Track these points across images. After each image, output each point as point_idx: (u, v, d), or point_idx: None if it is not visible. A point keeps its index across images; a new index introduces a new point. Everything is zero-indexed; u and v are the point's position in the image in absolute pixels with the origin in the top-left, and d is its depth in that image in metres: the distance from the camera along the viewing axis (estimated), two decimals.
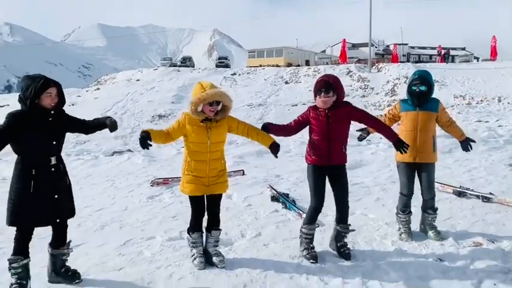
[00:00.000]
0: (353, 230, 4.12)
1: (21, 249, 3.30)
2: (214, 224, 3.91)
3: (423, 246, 4.16)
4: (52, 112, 3.28)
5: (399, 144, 3.87)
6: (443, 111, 4.42)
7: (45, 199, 3.24)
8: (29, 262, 3.37)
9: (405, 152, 3.90)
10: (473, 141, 4.57)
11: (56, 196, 3.31)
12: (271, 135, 3.96)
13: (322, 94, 3.81)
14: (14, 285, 3.25)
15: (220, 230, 3.95)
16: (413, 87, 4.28)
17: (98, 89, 36.80)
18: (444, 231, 4.48)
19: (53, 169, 3.30)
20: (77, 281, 3.46)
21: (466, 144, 4.50)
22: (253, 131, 3.91)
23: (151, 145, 3.60)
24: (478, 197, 5.57)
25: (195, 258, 3.81)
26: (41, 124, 3.22)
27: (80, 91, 36.08)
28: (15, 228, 3.31)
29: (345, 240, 4.07)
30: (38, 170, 3.22)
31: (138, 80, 37.81)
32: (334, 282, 3.48)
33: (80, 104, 28.61)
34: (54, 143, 3.32)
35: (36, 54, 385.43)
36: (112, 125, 3.56)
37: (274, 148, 3.84)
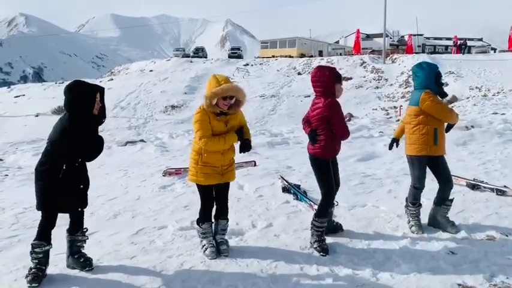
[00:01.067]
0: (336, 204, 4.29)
1: (44, 234, 3.43)
2: (223, 213, 3.96)
3: (435, 239, 4.13)
4: (103, 120, 3.50)
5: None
6: (425, 103, 4.12)
7: (71, 188, 3.41)
8: (50, 249, 3.48)
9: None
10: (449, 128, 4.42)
11: (82, 186, 3.51)
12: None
13: (343, 82, 4.00)
14: (33, 270, 3.37)
15: (227, 219, 3.99)
16: (441, 80, 4.32)
17: (112, 79, 37.12)
18: (457, 224, 4.44)
19: (77, 164, 3.47)
20: (87, 268, 3.54)
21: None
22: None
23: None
24: (492, 190, 5.49)
25: (206, 249, 3.84)
26: (89, 132, 3.41)
27: (94, 82, 36.41)
28: (34, 212, 3.45)
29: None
30: (68, 165, 3.38)
31: (151, 70, 38.02)
32: (344, 273, 3.49)
33: None
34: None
35: (51, 45, 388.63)
36: None
37: (241, 144, 3.84)
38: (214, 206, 3.96)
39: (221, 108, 3.67)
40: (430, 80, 4.21)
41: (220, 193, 3.93)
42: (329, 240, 4.07)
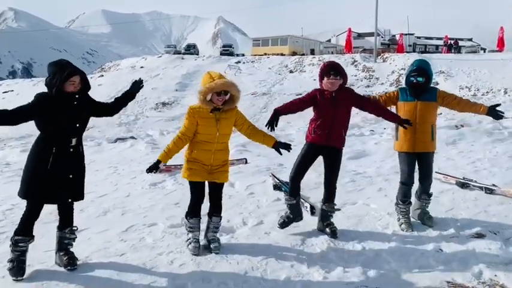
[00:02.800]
0: (338, 209, 4.30)
1: (28, 228, 3.39)
2: (216, 210, 3.95)
3: (424, 237, 4.17)
4: (77, 96, 3.39)
5: (404, 123, 4.12)
6: (443, 97, 4.38)
7: (60, 177, 3.35)
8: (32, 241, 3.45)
9: (411, 126, 4.10)
10: (499, 108, 4.37)
11: (71, 176, 3.42)
12: (272, 135, 4.06)
13: (332, 76, 3.97)
14: (15, 262, 3.34)
15: (221, 217, 3.98)
16: (411, 78, 4.29)
17: (102, 75, 36.81)
18: (446, 222, 4.48)
19: (71, 150, 3.41)
20: (69, 267, 3.47)
21: (494, 112, 4.32)
22: (257, 134, 3.97)
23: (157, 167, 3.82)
24: (481, 188, 5.54)
25: (190, 243, 3.85)
26: (66, 107, 3.33)
27: None
28: (21, 209, 3.41)
29: (331, 219, 4.23)
30: (58, 148, 3.33)
31: (142, 67, 37.77)
32: (335, 271, 3.49)
33: None
34: (78, 125, 3.43)
35: (40, 40, 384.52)
36: (136, 87, 3.91)
37: (278, 146, 3.97)
38: (207, 203, 3.95)
39: (215, 103, 3.66)
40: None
41: (214, 191, 3.92)
42: (320, 238, 4.09)
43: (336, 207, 4.25)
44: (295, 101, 4.23)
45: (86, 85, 3.47)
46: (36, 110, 3.27)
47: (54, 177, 3.32)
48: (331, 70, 4.00)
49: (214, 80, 3.62)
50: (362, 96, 4.25)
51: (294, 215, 4.26)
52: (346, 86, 4.12)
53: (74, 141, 3.41)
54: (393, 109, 4.48)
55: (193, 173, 3.77)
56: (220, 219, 3.98)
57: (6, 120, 3.20)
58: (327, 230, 4.16)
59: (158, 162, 3.77)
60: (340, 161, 4.17)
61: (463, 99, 4.50)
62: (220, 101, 3.66)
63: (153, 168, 3.79)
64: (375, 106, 4.23)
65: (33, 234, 3.44)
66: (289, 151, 3.97)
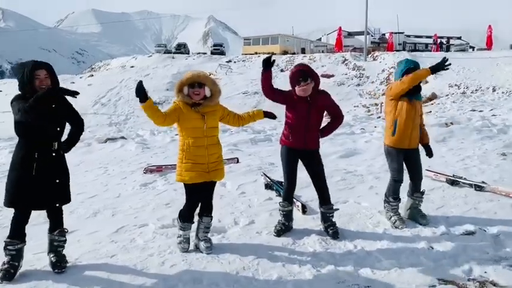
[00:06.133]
0: (337, 209, 4.29)
1: (17, 232, 3.36)
2: (206, 210, 3.92)
3: (415, 235, 4.18)
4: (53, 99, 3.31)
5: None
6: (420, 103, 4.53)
7: (45, 182, 3.30)
8: (24, 246, 3.42)
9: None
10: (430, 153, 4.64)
11: (57, 181, 3.38)
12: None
13: (302, 83, 3.95)
14: (5, 265, 3.31)
15: (211, 217, 3.96)
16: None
17: (92, 75, 36.57)
18: (436, 219, 4.51)
19: (54, 154, 3.35)
20: (56, 270, 3.43)
21: (429, 148, 4.60)
22: (244, 116, 4.03)
23: (146, 94, 3.44)
24: (470, 185, 5.59)
25: (179, 242, 3.86)
26: (42, 109, 3.24)
27: (74, 77, 35.81)
28: (10, 214, 3.38)
29: (332, 220, 4.21)
30: (40, 153, 3.27)
31: (132, 66, 37.59)
32: (326, 269, 3.49)
33: None
34: (58, 129, 3.38)
35: (29, 40, 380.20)
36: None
37: (269, 114, 4.04)
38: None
39: (193, 98, 3.64)
40: None
41: (205, 191, 3.86)
42: (311, 237, 4.10)
43: (334, 207, 4.24)
44: (271, 85, 4.09)
45: (54, 80, 3.36)
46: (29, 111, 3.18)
47: (40, 184, 3.27)
48: (300, 77, 3.94)
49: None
50: (336, 106, 4.18)
51: (288, 221, 4.27)
52: (320, 89, 4.09)
53: (55, 145, 3.37)
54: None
55: (193, 175, 3.68)
56: (211, 219, 3.96)
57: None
58: (329, 231, 4.14)
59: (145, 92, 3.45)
60: (321, 160, 4.19)
61: (421, 123, 4.52)
62: (197, 94, 3.62)
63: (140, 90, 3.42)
64: (335, 122, 4.24)
65: (25, 239, 3.41)
66: (275, 118, 4.05)
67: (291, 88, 4.09)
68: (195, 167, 3.68)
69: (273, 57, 4.17)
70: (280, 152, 4.26)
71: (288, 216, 4.27)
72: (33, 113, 3.13)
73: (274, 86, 4.08)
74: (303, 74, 3.96)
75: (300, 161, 4.19)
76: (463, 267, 3.50)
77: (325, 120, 4.25)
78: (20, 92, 3.29)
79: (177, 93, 3.67)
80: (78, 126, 3.61)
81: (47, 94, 3.16)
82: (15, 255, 3.34)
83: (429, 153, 4.61)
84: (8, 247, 3.32)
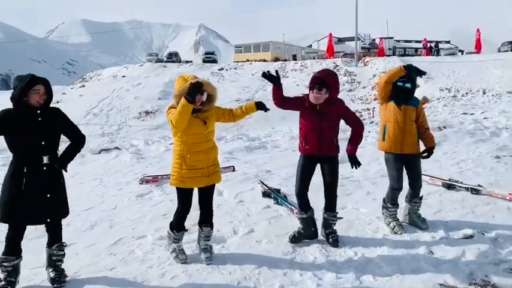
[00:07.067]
0: (340, 218, 4.26)
1: (12, 248, 3.32)
2: (206, 219, 3.90)
3: (414, 240, 4.19)
4: (39, 112, 3.26)
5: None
6: (421, 110, 4.49)
7: (37, 198, 3.24)
8: (20, 261, 3.38)
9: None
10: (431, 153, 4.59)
11: (49, 195, 3.30)
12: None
13: (315, 90, 3.91)
14: (2, 282, 3.28)
15: (211, 226, 3.93)
16: (399, 83, 4.32)
17: (83, 86, 36.39)
18: (435, 224, 4.52)
19: (45, 168, 3.29)
20: (55, 285, 3.40)
21: (430, 152, 4.53)
22: (238, 112, 3.95)
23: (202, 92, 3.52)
24: (467, 189, 5.61)
25: (176, 256, 3.83)
26: (29, 123, 3.22)
27: (65, 88, 35.62)
28: (4, 228, 3.32)
29: (334, 227, 4.18)
30: (30, 168, 3.22)
31: (123, 76, 37.46)
32: (327, 277, 3.48)
33: (65, 101, 28.22)
34: (43, 142, 3.28)
35: (19, 51, 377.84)
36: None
37: (261, 105, 3.92)
38: (198, 211, 3.90)
39: (195, 105, 3.60)
40: None
41: (205, 197, 3.85)
42: (311, 245, 4.08)
43: (338, 215, 4.20)
44: (283, 96, 4.06)
45: (50, 97, 3.35)
46: (5, 129, 3.18)
47: (29, 198, 3.21)
48: (316, 84, 3.90)
49: (187, 81, 3.54)
50: (351, 115, 4.15)
51: (305, 230, 4.18)
52: (337, 98, 4.03)
53: (45, 159, 3.28)
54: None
55: (193, 180, 3.68)
56: (211, 228, 3.93)
57: None
58: (329, 239, 4.11)
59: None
60: (337, 168, 4.14)
61: (427, 130, 4.55)
62: (198, 101, 3.57)
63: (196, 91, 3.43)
64: (357, 130, 4.16)
65: (21, 254, 3.37)
66: (267, 110, 3.95)
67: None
68: (196, 172, 3.67)
69: (273, 69, 4.14)
70: (298, 159, 4.21)
71: (304, 223, 4.17)
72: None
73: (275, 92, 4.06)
74: (320, 81, 3.90)
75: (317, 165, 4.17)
76: (464, 271, 3.51)
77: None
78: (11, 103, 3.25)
79: (178, 101, 3.55)
80: (75, 141, 3.56)
81: None
82: (12, 271, 3.30)
83: (426, 156, 4.53)
84: (4, 264, 3.28)
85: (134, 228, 4.91)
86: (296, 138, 4.16)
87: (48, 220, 3.37)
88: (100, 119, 26.52)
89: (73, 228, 4.96)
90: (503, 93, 24.23)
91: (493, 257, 3.75)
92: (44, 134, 3.29)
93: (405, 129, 4.35)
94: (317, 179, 4.19)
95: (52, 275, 3.42)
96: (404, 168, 4.49)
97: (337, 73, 4.18)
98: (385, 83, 4.33)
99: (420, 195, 4.55)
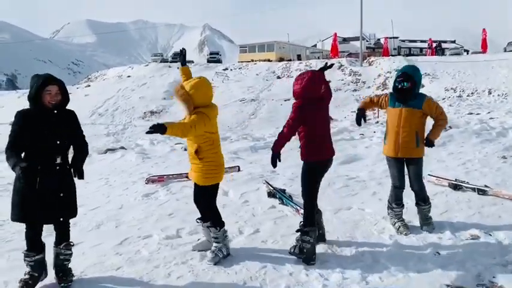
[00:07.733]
0: (306, 232, 3.92)
1: (33, 244, 3.37)
2: (204, 218, 4.04)
3: (421, 240, 4.17)
4: (55, 112, 3.30)
5: None
6: (430, 107, 4.31)
7: (50, 197, 3.27)
8: (44, 257, 3.43)
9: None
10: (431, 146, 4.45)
11: (62, 195, 3.34)
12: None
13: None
14: (25, 275, 3.35)
15: (214, 226, 3.92)
16: (396, 84, 4.31)
17: (89, 86, 36.52)
18: (441, 225, 4.51)
19: (58, 167, 3.32)
20: (62, 284, 3.42)
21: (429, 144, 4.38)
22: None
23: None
24: (473, 189, 5.59)
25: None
26: (44, 123, 3.25)
27: (70, 88, 35.67)
28: (12, 228, 3.36)
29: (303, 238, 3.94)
30: (43, 167, 3.24)
31: (129, 76, 37.54)
32: (334, 277, 3.48)
33: (70, 101, 28.28)
34: (58, 142, 3.31)
35: (25, 52, 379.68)
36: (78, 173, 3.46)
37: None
38: (196, 210, 4.02)
39: None
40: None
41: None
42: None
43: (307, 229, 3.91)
44: (286, 130, 4.02)
45: (65, 97, 3.38)
46: (24, 128, 3.21)
47: (43, 197, 3.24)
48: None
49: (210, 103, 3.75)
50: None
51: (308, 252, 3.82)
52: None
53: (58, 159, 3.31)
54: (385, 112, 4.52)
55: (222, 174, 3.89)
56: (216, 228, 3.93)
57: (14, 162, 3.08)
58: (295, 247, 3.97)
59: (163, 128, 3.21)
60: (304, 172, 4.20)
61: (439, 122, 4.39)
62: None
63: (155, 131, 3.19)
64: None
65: (42, 250, 3.43)
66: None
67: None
68: (222, 167, 3.90)
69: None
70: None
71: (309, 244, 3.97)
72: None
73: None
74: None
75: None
76: (471, 272, 3.49)
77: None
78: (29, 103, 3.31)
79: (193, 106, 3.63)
80: (80, 151, 3.52)
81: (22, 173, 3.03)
82: (34, 266, 3.36)
83: (426, 144, 4.38)
84: (26, 259, 3.37)
85: (140, 228, 4.91)
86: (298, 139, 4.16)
87: (62, 219, 3.42)
88: (105, 118, 26.63)
89: (79, 228, 4.98)
90: (509, 93, 24.07)
91: (500, 258, 3.73)
92: (59, 134, 3.32)
93: (400, 132, 4.31)
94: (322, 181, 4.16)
95: (59, 274, 3.44)
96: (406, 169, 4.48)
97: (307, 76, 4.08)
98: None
99: (426, 198, 4.49)
